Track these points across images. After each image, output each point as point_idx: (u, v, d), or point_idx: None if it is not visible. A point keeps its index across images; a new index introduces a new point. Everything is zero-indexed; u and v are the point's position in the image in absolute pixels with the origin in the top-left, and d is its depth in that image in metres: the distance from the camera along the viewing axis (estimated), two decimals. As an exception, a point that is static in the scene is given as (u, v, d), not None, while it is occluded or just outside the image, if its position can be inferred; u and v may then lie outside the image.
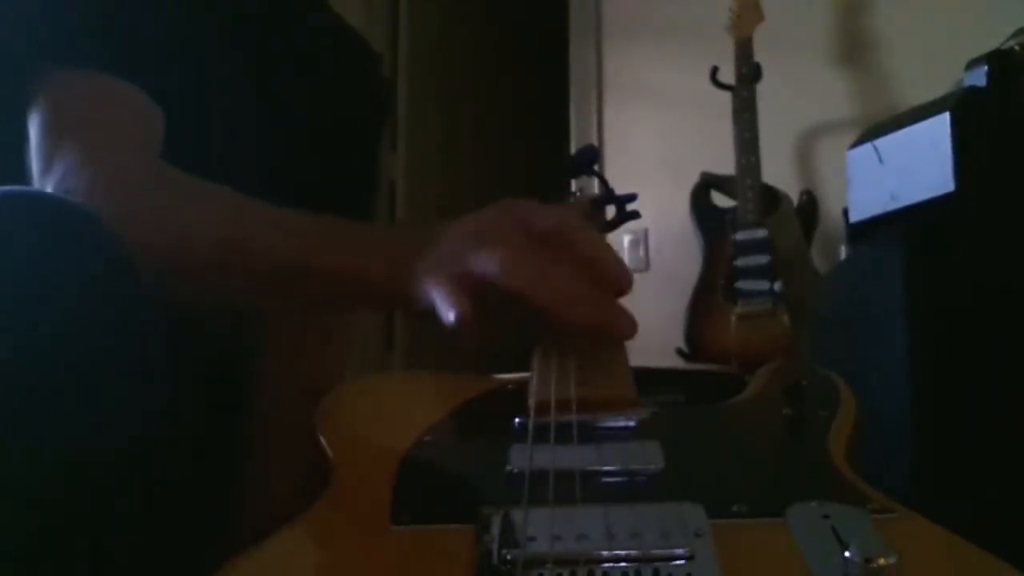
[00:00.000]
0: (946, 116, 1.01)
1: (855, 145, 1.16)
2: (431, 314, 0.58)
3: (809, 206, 1.96)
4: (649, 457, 0.50)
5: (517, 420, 0.56)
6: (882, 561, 0.37)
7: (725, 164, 1.96)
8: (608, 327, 0.60)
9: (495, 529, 0.42)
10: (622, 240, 2.40)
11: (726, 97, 1.96)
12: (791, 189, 1.98)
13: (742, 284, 1.87)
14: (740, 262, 1.88)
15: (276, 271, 0.63)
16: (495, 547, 0.40)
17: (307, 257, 0.62)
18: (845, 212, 1.22)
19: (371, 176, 1.00)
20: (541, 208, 0.64)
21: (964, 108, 1.01)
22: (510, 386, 0.67)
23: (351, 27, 1.00)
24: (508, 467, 0.50)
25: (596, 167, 1.20)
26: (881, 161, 1.10)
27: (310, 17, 0.92)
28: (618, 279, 0.61)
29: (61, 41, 0.70)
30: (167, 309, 0.56)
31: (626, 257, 2.40)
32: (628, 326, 0.61)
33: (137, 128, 0.70)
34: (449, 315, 0.56)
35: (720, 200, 2.03)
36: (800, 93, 2.06)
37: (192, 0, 0.78)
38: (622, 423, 0.55)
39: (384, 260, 0.62)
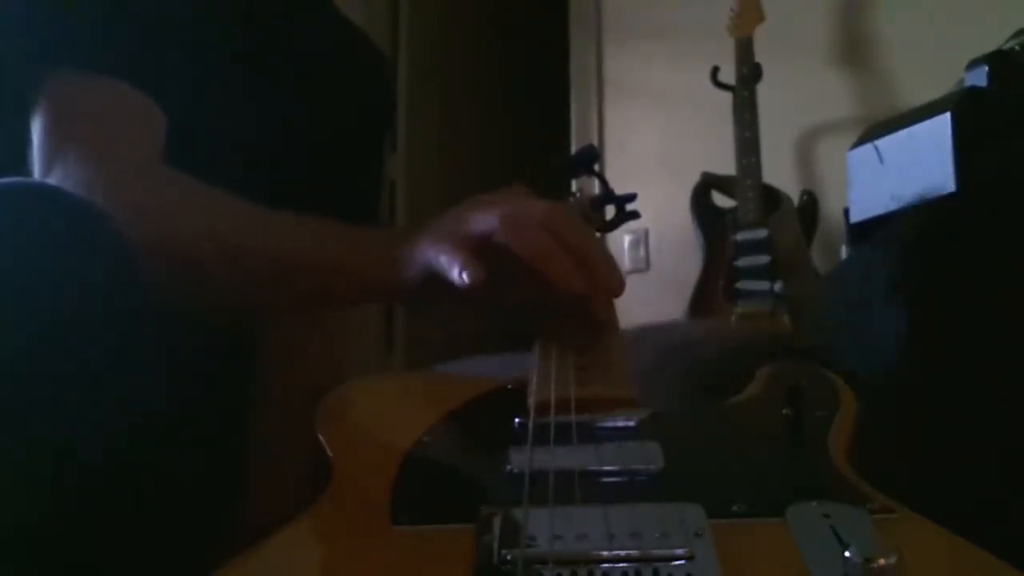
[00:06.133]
0: (947, 116, 1.01)
1: (855, 145, 1.16)
2: (425, 297, 0.60)
3: (809, 206, 1.95)
4: (649, 457, 0.50)
5: (517, 420, 0.56)
6: (882, 561, 0.37)
7: (725, 164, 1.96)
8: (593, 296, 0.63)
9: (495, 529, 0.42)
10: (622, 240, 2.40)
11: (726, 97, 1.96)
12: (791, 189, 1.98)
13: (742, 284, 1.87)
14: (740, 262, 1.88)
15: (269, 269, 0.65)
16: (495, 547, 0.40)
17: (297, 253, 0.65)
18: (845, 212, 1.22)
19: (378, 177, 1.00)
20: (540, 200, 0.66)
21: (965, 108, 1.01)
22: (510, 386, 0.67)
23: (359, 29, 1.00)
24: (508, 467, 0.50)
25: (596, 167, 1.20)
26: (882, 161, 1.10)
27: (317, 19, 0.92)
28: (608, 278, 0.63)
29: (65, 44, 0.70)
30: (169, 306, 0.56)
31: (626, 257, 2.40)
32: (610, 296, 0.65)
33: (139, 131, 0.70)
34: (463, 276, 0.57)
35: (720, 200, 2.02)
36: (800, 93, 2.06)
37: (197, 3, 0.78)
38: (622, 423, 0.55)
39: (368, 250, 0.66)
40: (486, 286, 0.58)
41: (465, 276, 0.58)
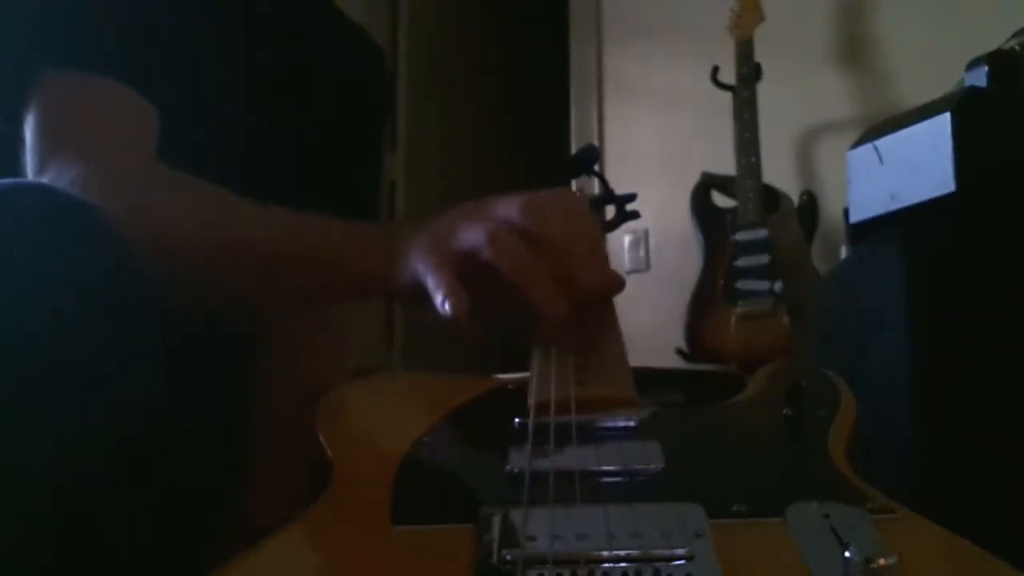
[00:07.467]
0: (946, 116, 1.01)
1: (855, 145, 1.16)
2: (420, 299, 0.60)
3: (809, 206, 1.95)
4: (649, 457, 0.50)
5: (517, 420, 0.56)
6: (882, 561, 0.37)
7: (725, 164, 1.96)
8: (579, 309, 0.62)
9: (495, 529, 0.42)
10: (622, 240, 2.40)
11: (726, 97, 1.96)
12: (791, 189, 1.98)
13: (742, 284, 1.87)
14: (740, 262, 1.88)
15: (266, 264, 0.65)
16: (495, 547, 0.40)
17: (294, 248, 0.65)
18: (845, 212, 1.22)
19: (376, 173, 1.00)
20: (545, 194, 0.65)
21: (964, 108, 1.01)
22: (510, 386, 0.67)
23: (356, 24, 1.00)
24: (508, 467, 0.50)
25: (596, 167, 1.20)
26: (881, 161, 1.10)
27: (314, 16, 0.92)
28: (593, 286, 0.63)
29: (57, 42, 0.70)
30: (167, 303, 0.56)
31: (626, 257, 2.40)
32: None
33: (132, 128, 0.70)
34: (445, 307, 0.57)
35: (720, 200, 2.03)
36: (800, 93, 2.06)
37: (193, 1, 0.78)
38: (622, 423, 0.55)
39: (361, 244, 0.66)
40: (469, 315, 0.58)
41: (447, 307, 0.58)
